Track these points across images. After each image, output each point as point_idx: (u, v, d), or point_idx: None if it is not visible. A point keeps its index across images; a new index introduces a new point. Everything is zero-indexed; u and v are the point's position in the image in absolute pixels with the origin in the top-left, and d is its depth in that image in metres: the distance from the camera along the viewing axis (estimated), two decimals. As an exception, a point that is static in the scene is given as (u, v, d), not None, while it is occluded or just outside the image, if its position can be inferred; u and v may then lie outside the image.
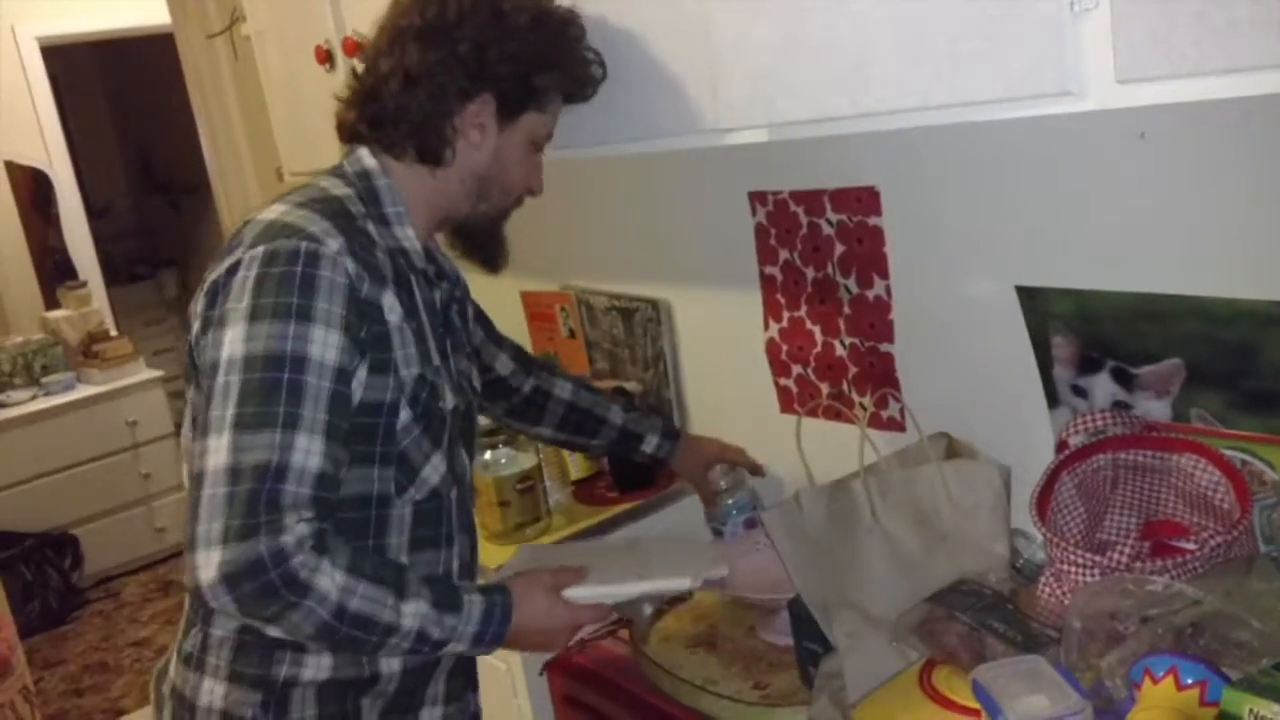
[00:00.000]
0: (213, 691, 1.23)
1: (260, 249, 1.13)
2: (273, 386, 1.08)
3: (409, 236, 1.26)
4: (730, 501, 1.81)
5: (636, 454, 1.74)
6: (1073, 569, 1.24)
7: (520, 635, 1.25)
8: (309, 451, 1.08)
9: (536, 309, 2.42)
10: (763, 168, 1.78)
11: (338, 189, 1.24)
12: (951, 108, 1.09)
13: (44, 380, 4.47)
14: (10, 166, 4.78)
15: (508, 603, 1.23)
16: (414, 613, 1.14)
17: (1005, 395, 1.56)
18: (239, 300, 1.11)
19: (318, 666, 1.23)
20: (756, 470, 1.78)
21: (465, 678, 1.38)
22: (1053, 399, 1.49)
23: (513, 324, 2.50)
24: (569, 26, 1.34)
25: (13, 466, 4.20)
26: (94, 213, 5.21)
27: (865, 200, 1.64)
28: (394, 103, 1.25)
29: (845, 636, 1.30)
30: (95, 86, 6.31)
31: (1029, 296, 1.46)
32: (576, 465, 2.11)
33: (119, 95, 6.43)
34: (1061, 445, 1.39)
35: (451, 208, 1.32)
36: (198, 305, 1.18)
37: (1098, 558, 1.21)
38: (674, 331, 2.11)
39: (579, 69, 1.36)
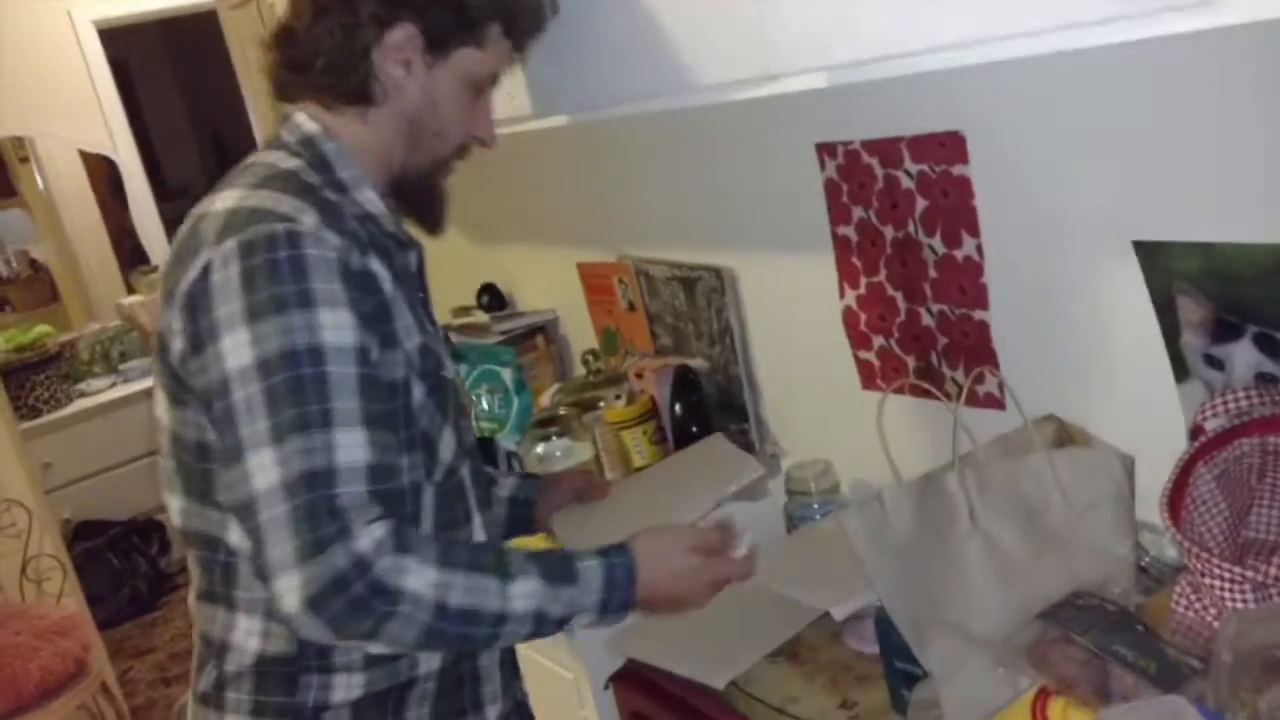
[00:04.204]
0: None
1: (231, 242, 1.03)
2: (296, 386, 1.00)
3: (372, 200, 1.17)
4: (813, 490, 1.76)
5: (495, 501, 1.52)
6: (1216, 583, 1.06)
7: (651, 598, 1.16)
8: (351, 446, 1.00)
9: (593, 280, 2.33)
10: (830, 116, 1.63)
11: (286, 162, 1.15)
12: (1048, 33, 0.93)
13: (121, 367, 4.51)
14: (87, 154, 4.79)
15: (629, 563, 1.14)
16: (525, 593, 1.06)
17: (1123, 369, 1.40)
18: (229, 303, 1.02)
19: (348, 685, 1.15)
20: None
21: (512, 666, 1.33)
22: (1181, 372, 1.31)
23: (569, 298, 2.46)
24: None
25: (96, 455, 4.22)
26: (171, 194, 5.23)
27: (949, 146, 1.47)
28: (305, 36, 1.16)
29: (940, 660, 1.17)
30: (166, 68, 6.36)
31: (1148, 253, 1.28)
32: (641, 453, 2.00)
33: (189, 76, 6.48)
34: (1196, 431, 1.20)
35: (388, 158, 1.21)
36: (172, 320, 1.07)
37: (1248, 573, 1.03)
38: (740, 302, 1.97)
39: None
